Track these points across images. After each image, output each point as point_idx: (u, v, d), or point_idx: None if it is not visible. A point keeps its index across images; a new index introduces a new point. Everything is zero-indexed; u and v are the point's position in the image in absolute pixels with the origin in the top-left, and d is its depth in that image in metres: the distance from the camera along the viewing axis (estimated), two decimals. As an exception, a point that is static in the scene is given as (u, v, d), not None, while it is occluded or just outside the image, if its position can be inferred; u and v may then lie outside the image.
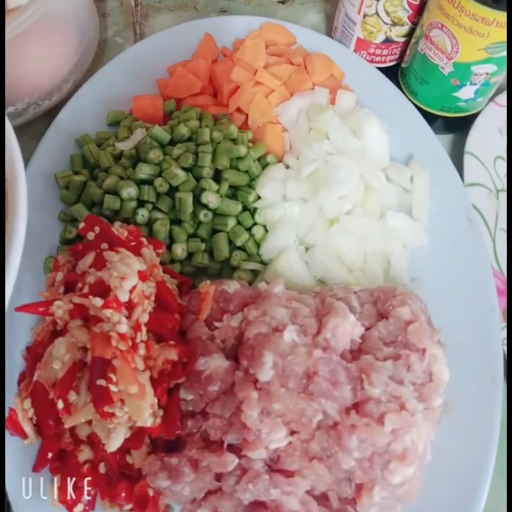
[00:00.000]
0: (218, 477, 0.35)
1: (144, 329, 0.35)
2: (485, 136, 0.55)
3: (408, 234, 0.47)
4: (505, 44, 0.46)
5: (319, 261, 0.45)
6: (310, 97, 0.51)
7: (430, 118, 0.55)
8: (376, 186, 0.46)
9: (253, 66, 0.52)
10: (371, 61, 0.57)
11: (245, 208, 0.47)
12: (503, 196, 0.52)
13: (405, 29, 0.54)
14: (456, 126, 0.57)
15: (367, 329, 0.39)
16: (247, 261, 0.45)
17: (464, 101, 0.53)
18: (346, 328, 0.36)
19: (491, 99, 0.57)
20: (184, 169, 0.45)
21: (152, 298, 0.37)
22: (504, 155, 0.54)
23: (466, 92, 0.51)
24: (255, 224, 0.47)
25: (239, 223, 0.46)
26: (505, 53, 0.47)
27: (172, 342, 0.37)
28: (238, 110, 0.51)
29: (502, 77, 0.51)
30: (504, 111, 0.56)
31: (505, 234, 0.50)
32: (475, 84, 0.50)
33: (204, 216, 0.45)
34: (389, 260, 0.47)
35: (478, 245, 0.47)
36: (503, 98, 0.57)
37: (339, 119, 0.47)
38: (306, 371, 0.34)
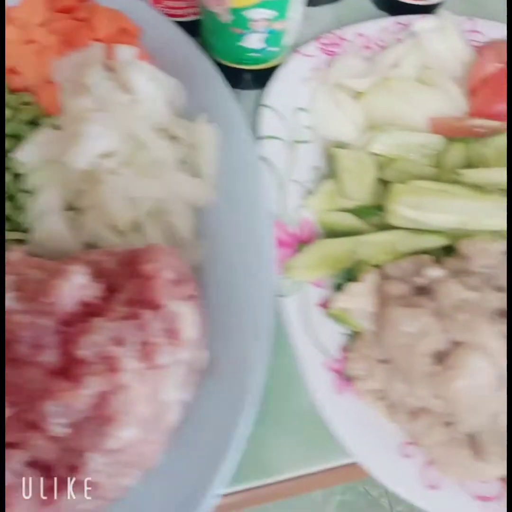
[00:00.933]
0: None
1: None
2: (287, 88, 0.53)
3: (191, 192, 0.46)
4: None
5: (88, 225, 0.43)
6: (86, 53, 0.48)
7: (232, 73, 0.53)
8: (146, 142, 0.44)
9: (30, 23, 0.49)
10: (171, 16, 0.55)
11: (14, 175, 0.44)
12: (300, 147, 0.50)
13: (194, -22, 0.51)
14: (265, 80, 0.55)
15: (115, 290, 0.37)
16: (11, 231, 0.43)
17: (256, 51, 0.51)
18: (69, 291, 0.34)
19: (296, 49, 0.55)
20: None
21: None
22: (307, 106, 0.52)
23: (252, 41, 0.49)
24: (21, 191, 0.44)
25: None
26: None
27: None
28: (13, 71, 0.48)
29: (289, 24, 0.49)
30: (308, 61, 0.54)
31: (298, 186, 0.48)
32: (258, 32, 0.48)
33: (-46, 185, 0.42)
34: (169, 219, 0.45)
35: (263, 199, 0.46)
36: (308, 48, 0.55)
37: (104, 73, 0.45)
38: (11, 339, 0.32)
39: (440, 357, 0.35)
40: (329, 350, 0.41)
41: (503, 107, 0.48)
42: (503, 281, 0.36)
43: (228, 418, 0.37)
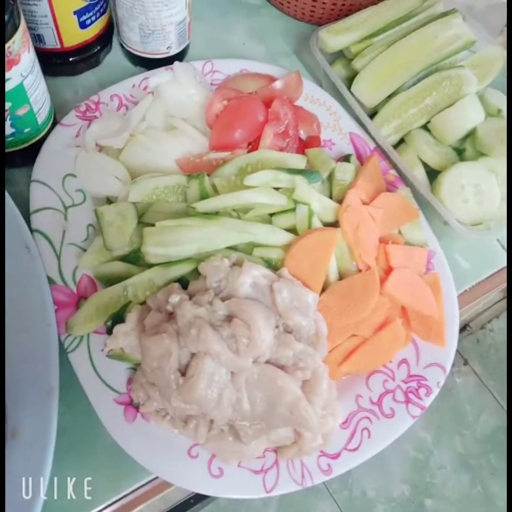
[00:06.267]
0: None
1: None
2: (52, 159, 0.58)
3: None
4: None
5: None
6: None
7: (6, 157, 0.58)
8: None
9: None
10: None
11: None
12: (72, 211, 0.55)
13: None
14: (36, 155, 0.60)
15: None
16: None
17: (10, 136, 0.56)
18: None
19: (58, 121, 0.61)
20: None
21: None
22: (74, 171, 0.58)
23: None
24: None
25: None
26: None
27: None
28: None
29: (35, 106, 0.55)
30: (69, 130, 0.60)
31: (72, 247, 0.53)
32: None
33: None
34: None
35: (36, 269, 0.50)
36: (67, 118, 0.61)
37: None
38: None
39: (185, 370, 0.42)
40: (117, 387, 0.47)
41: (231, 139, 0.56)
42: (229, 290, 0.44)
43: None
